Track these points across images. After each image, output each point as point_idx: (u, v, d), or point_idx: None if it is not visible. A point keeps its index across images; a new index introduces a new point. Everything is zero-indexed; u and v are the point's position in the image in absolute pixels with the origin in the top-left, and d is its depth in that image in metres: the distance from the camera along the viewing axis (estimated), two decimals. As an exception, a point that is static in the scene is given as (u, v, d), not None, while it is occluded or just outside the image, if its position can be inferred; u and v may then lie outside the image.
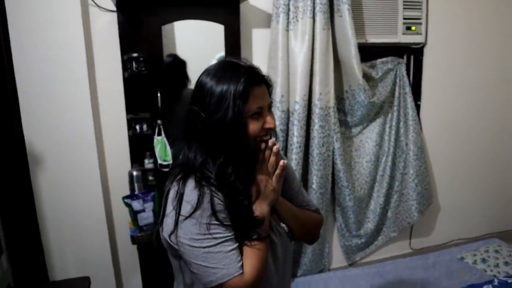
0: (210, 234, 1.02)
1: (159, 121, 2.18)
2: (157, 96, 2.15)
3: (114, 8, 2.17)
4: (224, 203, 1.06)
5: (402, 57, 2.81)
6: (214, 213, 1.03)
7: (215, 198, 1.05)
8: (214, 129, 1.06)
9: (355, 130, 2.76)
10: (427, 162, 2.92)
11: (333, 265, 2.90)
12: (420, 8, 2.69)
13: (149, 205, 2.21)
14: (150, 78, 2.14)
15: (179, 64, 2.26)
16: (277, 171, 1.10)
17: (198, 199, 1.03)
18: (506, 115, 3.20)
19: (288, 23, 2.32)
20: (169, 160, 2.20)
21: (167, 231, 1.07)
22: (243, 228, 1.07)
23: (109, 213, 2.37)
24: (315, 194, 2.54)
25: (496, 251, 2.88)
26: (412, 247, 3.11)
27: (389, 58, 2.73)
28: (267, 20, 2.41)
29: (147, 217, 2.21)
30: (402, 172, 2.84)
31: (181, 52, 2.26)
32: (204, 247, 1.03)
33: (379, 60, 2.71)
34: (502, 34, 3.02)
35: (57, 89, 2.09)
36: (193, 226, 1.03)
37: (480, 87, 3.04)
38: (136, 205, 2.18)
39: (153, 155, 2.27)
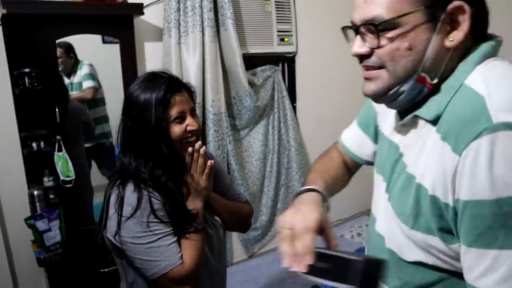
0: (151, 231, 1.15)
1: (58, 137, 2.14)
2: (55, 111, 2.12)
3: (-2, 22, 2.08)
4: (161, 202, 1.19)
5: (278, 65, 3.16)
6: (153, 212, 1.16)
7: (153, 198, 1.18)
8: (141, 135, 1.19)
9: (243, 132, 3.01)
10: (306, 156, 3.32)
11: (234, 259, 3.11)
12: (290, 22, 3.07)
13: (55, 223, 2.14)
14: (46, 94, 2.09)
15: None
16: (206, 170, 1.24)
17: (138, 201, 1.16)
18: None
19: (179, 36, 2.47)
20: (72, 176, 2.17)
21: (111, 232, 1.17)
22: (180, 223, 1.21)
23: (6, 239, 2.23)
24: (215, 194, 2.72)
25: (367, 225, 3.41)
26: (300, 233, 3.48)
27: (267, 66, 3.05)
28: (158, 34, 2.52)
29: (54, 235, 2.14)
30: (287, 166, 3.19)
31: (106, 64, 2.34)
32: (146, 243, 1.15)
33: (259, 68, 3.01)
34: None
35: None
36: (135, 225, 1.15)
37: (344, 86, 3.53)
38: (41, 225, 2.11)
39: (52, 173, 2.22)
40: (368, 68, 0.79)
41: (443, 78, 0.74)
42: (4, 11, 1.84)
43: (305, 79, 3.30)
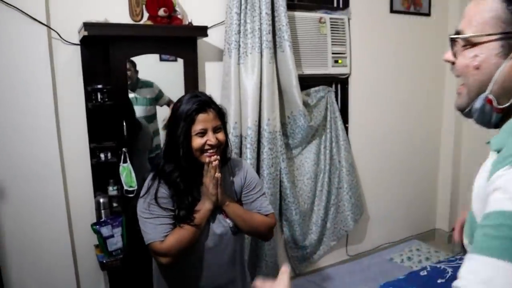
0: (149, 210, 1.49)
1: (124, 149, 2.28)
2: (123, 125, 2.27)
3: (77, 41, 2.27)
4: (168, 194, 1.51)
5: (331, 86, 3.22)
6: (155, 198, 1.49)
7: (161, 189, 1.51)
8: (170, 143, 1.50)
9: (295, 151, 3.07)
10: (357, 177, 3.33)
11: (282, 276, 3.13)
12: (344, 45, 3.13)
13: (118, 230, 2.28)
14: (115, 109, 2.25)
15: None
16: (213, 181, 1.49)
17: (148, 187, 1.53)
18: (420, 134, 3.76)
19: (239, 57, 2.59)
20: (135, 186, 2.30)
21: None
22: (181, 214, 1.49)
23: (73, 243, 2.38)
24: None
25: (418, 250, 3.36)
26: (349, 254, 3.47)
27: (321, 87, 3.11)
28: (219, 55, 2.65)
29: (116, 242, 2.27)
30: (337, 186, 3.21)
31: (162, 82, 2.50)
32: (144, 218, 1.51)
33: (312, 89, 3.08)
34: (411, 64, 3.58)
35: (22, 121, 2.13)
36: (142, 203, 1.52)
37: (396, 109, 3.55)
38: (105, 231, 2.24)
39: (116, 182, 2.36)
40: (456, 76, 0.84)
41: None
42: (86, 33, 2.02)
43: (357, 100, 3.34)
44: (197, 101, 1.47)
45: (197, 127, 1.46)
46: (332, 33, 3.06)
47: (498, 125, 0.81)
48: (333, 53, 3.08)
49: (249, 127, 2.63)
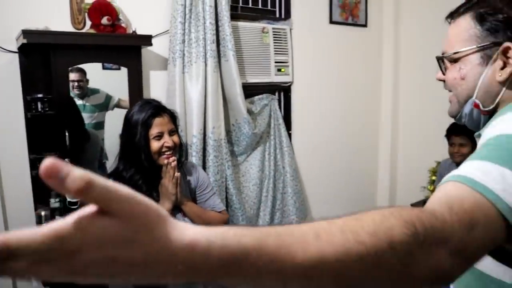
0: None
1: (67, 160, 2.24)
2: (65, 135, 2.23)
3: (15, 49, 2.20)
4: None
5: (275, 94, 3.32)
6: None
7: None
8: (129, 148, 1.58)
9: (240, 158, 3.13)
10: (301, 181, 3.45)
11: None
12: (287, 54, 3.24)
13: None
14: (58, 118, 2.21)
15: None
16: (173, 180, 1.57)
17: None
18: (359, 138, 3.95)
19: (183, 66, 2.61)
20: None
21: None
22: None
23: (11, 257, 2.29)
24: (213, 217, 2.82)
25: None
26: (294, 257, 3.57)
27: (264, 95, 3.19)
28: (163, 63, 2.66)
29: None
30: (282, 191, 3.30)
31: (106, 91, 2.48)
32: None
33: (256, 97, 3.15)
34: (350, 72, 3.77)
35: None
36: None
37: (336, 115, 3.72)
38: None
39: (59, 194, 2.31)
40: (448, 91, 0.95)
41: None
42: (25, 41, 1.97)
43: (299, 108, 3.46)
44: (151, 106, 1.58)
45: (154, 130, 1.56)
46: (274, 42, 3.16)
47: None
48: (276, 62, 3.18)
49: (194, 135, 2.65)
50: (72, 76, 2.36)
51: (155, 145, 1.56)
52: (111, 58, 2.36)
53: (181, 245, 0.40)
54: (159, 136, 1.57)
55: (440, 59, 0.94)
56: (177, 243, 0.40)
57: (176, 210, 1.65)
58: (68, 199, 2.23)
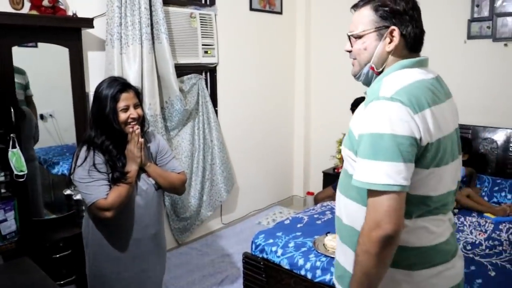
0: (89, 175, 1.76)
1: (13, 135, 2.35)
2: (11, 111, 2.33)
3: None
4: (103, 160, 1.79)
5: (202, 74, 3.61)
6: (93, 164, 1.77)
7: (96, 156, 1.79)
8: (100, 118, 1.79)
9: (173, 133, 3.40)
10: (227, 153, 3.81)
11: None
12: (213, 37, 3.54)
13: (11, 214, 2.35)
14: (2, 95, 2.30)
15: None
16: (138, 145, 1.82)
17: (85, 157, 1.78)
18: (277, 113, 4.40)
19: (121, 47, 2.81)
20: (25, 170, 2.39)
21: (72, 175, 1.82)
22: (116, 176, 1.79)
23: (-42, 230, 2.37)
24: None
25: (280, 213, 4.01)
26: (223, 222, 3.96)
27: (193, 75, 3.47)
28: (100, 44, 2.83)
29: (9, 225, 2.34)
30: (211, 163, 3.64)
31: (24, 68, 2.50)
32: (85, 182, 1.76)
33: (186, 77, 3.42)
34: (268, 55, 4.18)
35: None
36: (81, 171, 1.76)
37: (256, 93, 4.12)
38: (-3, 215, 2.30)
39: (4, 168, 2.41)
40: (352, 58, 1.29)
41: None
42: (-30, 21, 2.06)
43: (224, 86, 3.79)
44: (119, 83, 1.79)
45: (121, 104, 1.77)
46: (201, 27, 3.44)
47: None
48: (203, 45, 3.47)
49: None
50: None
51: (122, 116, 1.76)
52: (52, 38, 2.47)
53: None
54: (126, 109, 1.77)
55: (349, 36, 1.27)
56: None
57: (141, 171, 1.86)
58: (15, 172, 2.35)
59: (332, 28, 4.20)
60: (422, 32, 1.20)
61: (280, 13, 4.22)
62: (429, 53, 1.29)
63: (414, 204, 1.12)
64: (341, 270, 1.30)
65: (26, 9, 2.46)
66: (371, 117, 1.08)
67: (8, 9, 2.41)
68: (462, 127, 3.42)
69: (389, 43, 1.18)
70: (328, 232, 2.51)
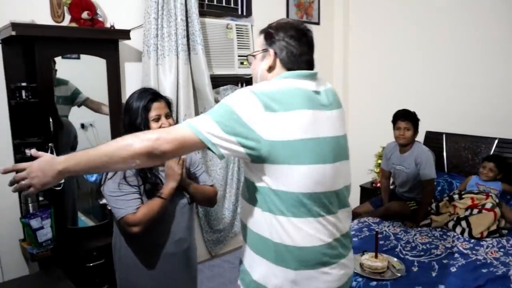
0: (119, 189, 1.71)
1: (50, 144, 2.39)
2: (49, 121, 2.38)
3: (-2, 40, 2.33)
4: (133, 173, 1.73)
5: (238, 85, 3.59)
6: (124, 177, 1.72)
7: (127, 170, 1.72)
8: (132, 129, 1.69)
9: (208, 144, 3.38)
10: (262, 166, 3.74)
11: (199, 259, 3.42)
12: (249, 48, 3.52)
13: (47, 222, 2.38)
14: (42, 106, 2.35)
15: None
16: (180, 161, 1.77)
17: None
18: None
19: (157, 59, 2.83)
20: (62, 180, 2.42)
21: (102, 187, 1.77)
22: (149, 188, 1.75)
23: (-3, 237, 2.43)
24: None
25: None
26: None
27: (229, 86, 3.46)
28: (137, 55, 2.86)
29: (46, 233, 2.37)
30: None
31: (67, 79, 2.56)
32: (115, 196, 1.71)
33: (221, 88, 3.42)
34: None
35: None
36: (111, 184, 1.72)
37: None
38: (35, 223, 2.33)
39: (42, 177, 2.46)
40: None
41: None
42: (13, 33, 2.12)
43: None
44: (150, 93, 1.77)
45: (153, 113, 1.73)
46: (238, 38, 3.43)
47: None
48: (239, 56, 3.46)
49: (168, 122, 2.88)
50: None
51: (153, 126, 1.72)
52: (91, 50, 2.52)
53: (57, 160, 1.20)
54: (157, 119, 1.73)
55: (248, 55, 1.49)
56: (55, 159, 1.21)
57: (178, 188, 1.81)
58: (53, 181, 2.38)
59: (371, 37, 4.10)
60: (302, 55, 1.36)
61: (318, 23, 4.17)
62: None
63: (282, 199, 1.22)
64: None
65: (66, 21, 2.53)
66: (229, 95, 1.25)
67: (50, 22, 2.48)
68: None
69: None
70: (365, 251, 2.40)
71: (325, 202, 1.26)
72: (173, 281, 1.87)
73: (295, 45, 1.34)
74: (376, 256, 2.32)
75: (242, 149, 1.17)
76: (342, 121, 1.39)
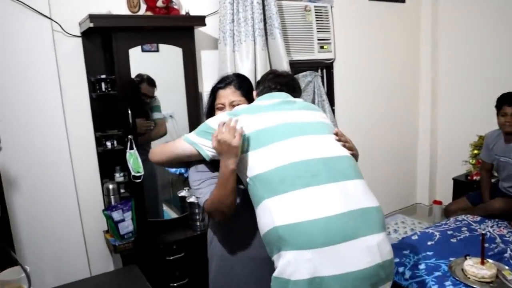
0: (199, 178, 1.56)
1: (130, 136, 2.37)
2: (128, 113, 2.36)
3: (78, 33, 2.34)
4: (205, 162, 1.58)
5: (318, 71, 3.38)
6: (195, 165, 1.58)
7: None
8: (207, 114, 1.68)
9: (286, 134, 3.22)
10: (345, 156, 3.51)
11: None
12: (329, 31, 3.29)
13: (128, 214, 2.37)
14: (121, 98, 2.33)
15: (148, 83, 2.52)
16: (239, 130, 1.39)
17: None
18: (399, 112, 3.99)
19: (234, 45, 2.71)
20: (142, 171, 2.39)
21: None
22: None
23: (83, 229, 2.47)
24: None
25: (402, 222, 3.58)
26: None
27: (308, 72, 3.27)
28: (213, 43, 2.77)
29: (127, 225, 2.36)
30: (327, 166, 3.38)
31: (147, 72, 2.53)
32: (196, 185, 1.57)
33: (300, 74, 3.23)
34: (389, 47, 3.80)
35: (31, 113, 2.19)
36: (192, 172, 1.60)
37: (377, 90, 3.76)
38: (116, 215, 2.33)
39: (123, 169, 2.46)
40: None
41: None
42: (91, 25, 2.10)
43: (342, 84, 3.51)
44: (221, 80, 1.65)
45: (217, 101, 1.64)
46: (317, 20, 3.22)
47: None
48: (318, 40, 3.24)
49: (246, 111, 2.76)
50: (144, 88, 2.54)
51: (218, 113, 1.60)
52: (167, 39, 2.46)
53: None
54: (222, 108, 1.60)
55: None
56: None
57: None
58: (132, 173, 2.36)
59: (463, 16, 3.67)
60: (271, 89, 1.56)
61: (403, 1, 3.81)
62: None
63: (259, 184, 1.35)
64: None
65: (142, 11, 2.49)
66: None
67: (126, 12, 2.45)
68: None
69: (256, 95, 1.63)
70: (468, 255, 2.09)
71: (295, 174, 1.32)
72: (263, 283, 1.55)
73: (271, 84, 1.59)
74: (482, 263, 2.01)
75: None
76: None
